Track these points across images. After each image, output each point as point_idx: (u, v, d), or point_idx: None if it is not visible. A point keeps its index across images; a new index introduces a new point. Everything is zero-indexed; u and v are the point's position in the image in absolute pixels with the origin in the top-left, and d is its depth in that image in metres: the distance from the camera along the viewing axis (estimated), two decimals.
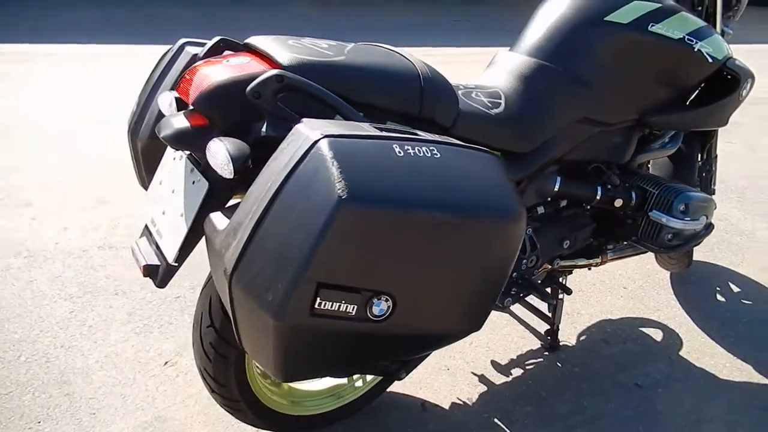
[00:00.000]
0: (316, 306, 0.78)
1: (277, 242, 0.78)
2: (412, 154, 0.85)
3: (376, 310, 0.83)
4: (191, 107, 1.02)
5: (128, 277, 2.02)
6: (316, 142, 0.80)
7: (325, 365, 0.88)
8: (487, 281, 0.94)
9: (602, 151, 1.46)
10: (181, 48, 1.26)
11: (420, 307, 0.87)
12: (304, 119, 0.90)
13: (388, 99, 1.07)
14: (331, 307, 0.79)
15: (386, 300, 0.83)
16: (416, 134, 0.92)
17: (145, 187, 1.34)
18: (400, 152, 0.84)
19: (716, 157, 1.91)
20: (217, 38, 1.18)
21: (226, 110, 0.99)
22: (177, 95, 1.12)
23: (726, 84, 1.50)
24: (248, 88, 0.95)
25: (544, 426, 1.49)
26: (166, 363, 1.66)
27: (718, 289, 2.13)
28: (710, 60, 1.44)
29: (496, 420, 1.51)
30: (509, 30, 6.91)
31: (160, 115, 1.22)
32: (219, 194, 1.00)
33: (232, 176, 0.90)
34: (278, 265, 0.77)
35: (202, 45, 1.27)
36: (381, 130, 0.91)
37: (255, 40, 1.09)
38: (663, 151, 1.62)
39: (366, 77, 1.04)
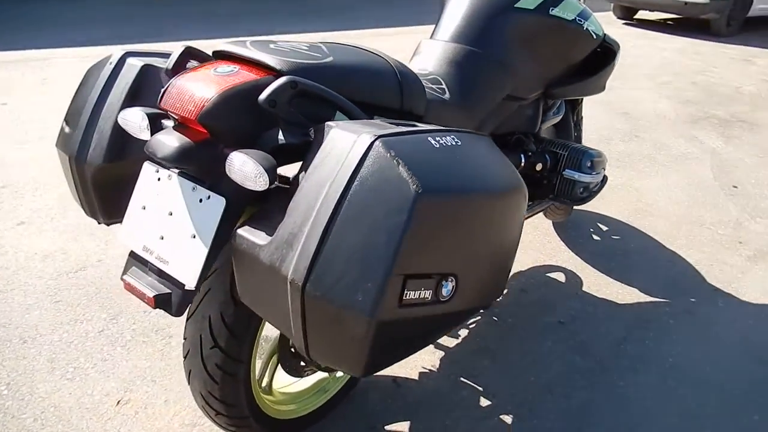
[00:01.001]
0: (404, 298, 0.82)
1: (355, 245, 0.80)
2: (443, 144, 0.91)
3: (444, 292, 0.90)
4: (189, 122, 0.97)
5: (28, 322, 1.78)
6: (372, 143, 0.83)
7: (399, 352, 0.92)
8: (511, 249, 1.05)
9: (521, 124, 1.65)
10: (122, 60, 1.17)
11: (474, 282, 0.95)
12: (330, 123, 0.92)
13: (373, 96, 1.11)
14: (414, 296, 0.84)
15: (451, 281, 0.90)
16: (419, 126, 0.99)
17: (98, 218, 1.22)
18: (435, 144, 0.90)
19: (582, 118, 2.23)
20: (181, 47, 1.11)
21: (233, 121, 0.96)
22: (149, 111, 1.05)
23: (604, 56, 1.77)
24: (262, 96, 0.94)
25: (504, 373, 1.67)
26: (118, 402, 1.52)
27: (591, 230, 2.49)
28: (594, 36, 1.69)
29: (462, 379, 1.65)
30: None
31: (119, 136, 1.12)
32: (236, 209, 0.97)
33: (266, 187, 0.89)
34: (363, 266, 0.79)
35: (146, 55, 1.19)
36: (395, 125, 0.96)
37: (231, 48, 1.06)
38: (556, 117, 1.87)
39: (354, 77, 1.07)
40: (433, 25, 1.68)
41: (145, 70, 1.15)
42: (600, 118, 3.91)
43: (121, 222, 1.27)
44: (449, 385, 1.62)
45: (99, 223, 1.31)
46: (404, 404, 1.56)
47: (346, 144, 0.85)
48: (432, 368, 1.68)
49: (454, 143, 0.93)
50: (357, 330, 0.81)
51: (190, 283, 0.96)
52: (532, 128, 1.69)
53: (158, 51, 1.25)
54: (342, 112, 1.01)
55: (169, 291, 1.00)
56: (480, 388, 1.62)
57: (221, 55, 1.08)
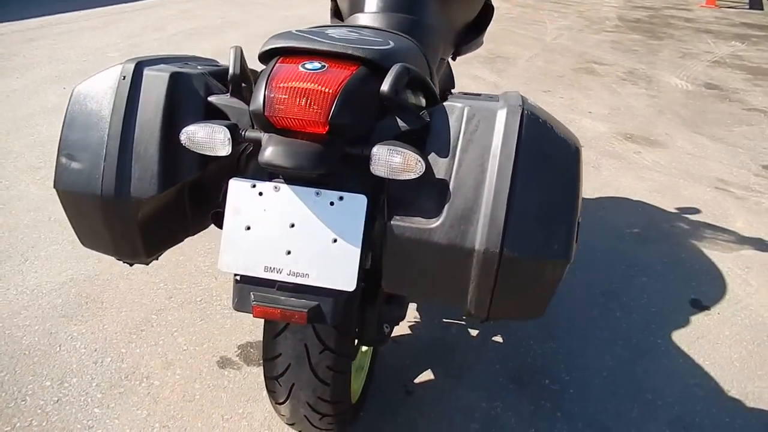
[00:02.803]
0: (578, 239, 0.95)
1: (539, 204, 0.90)
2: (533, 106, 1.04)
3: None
4: (308, 125, 0.92)
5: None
6: (522, 112, 0.92)
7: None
8: None
9: (448, 82, 1.81)
10: (138, 71, 1.01)
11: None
12: (450, 102, 0.97)
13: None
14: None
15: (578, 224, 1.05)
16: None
17: (138, 258, 1.07)
18: (534, 107, 1.02)
19: None
20: (234, 49, 1.01)
21: (355, 117, 0.94)
22: (224, 123, 0.95)
23: (486, 13, 2.01)
24: (386, 86, 0.94)
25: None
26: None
27: None
28: None
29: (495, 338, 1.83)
30: None
31: (169, 160, 0.99)
32: (374, 204, 0.97)
33: (420, 174, 0.92)
34: (552, 220, 0.90)
35: (153, 63, 1.05)
36: (481, 96, 1.05)
37: (302, 43, 1.00)
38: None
39: (410, 58, 1.11)
40: None
41: (176, 78, 1.01)
42: None
43: (158, 258, 1.12)
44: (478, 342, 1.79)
45: (131, 265, 1.13)
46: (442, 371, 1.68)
47: (491, 117, 0.93)
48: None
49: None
50: (554, 276, 0.93)
51: (349, 287, 0.94)
52: (453, 85, 1.87)
53: (161, 56, 1.09)
54: (427, 93, 1.05)
55: (317, 302, 0.96)
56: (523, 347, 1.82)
57: (283, 52, 1.01)
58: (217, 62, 1.26)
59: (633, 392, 1.61)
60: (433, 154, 0.95)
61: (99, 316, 1.78)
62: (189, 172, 1.03)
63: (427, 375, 1.64)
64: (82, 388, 1.52)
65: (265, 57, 1.04)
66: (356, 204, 0.95)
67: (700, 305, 1.99)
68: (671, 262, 2.22)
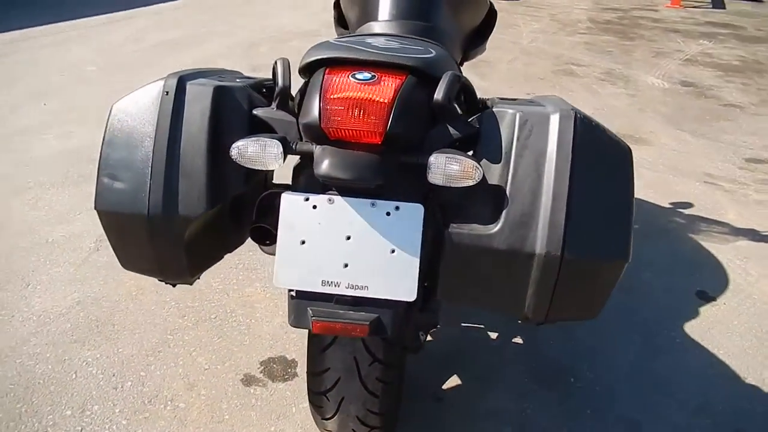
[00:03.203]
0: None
1: (597, 204, 0.90)
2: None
3: None
4: (363, 136, 0.91)
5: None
6: (575, 116, 0.93)
7: None
8: None
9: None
10: (181, 86, 0.99)
11: None
12: (498, 108, 0.98)
13: None
14: None
15: None
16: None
17: (182, 278, 1.05)
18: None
19: None
20: (282, 60, 0.99)
21: (411, 127, 0.94)
22: (274, 137, 0.94)
23: (490, 19, 2.02)
24: (441, 95, 0.95)
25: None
26: None
27: None
28: (489, 2, 1.92)
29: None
30: None
31: (217, 175, 0.97)
32: (429, 212, 0.96)
33: (478, 181, 0.92)
34: (609, 220, 0.91)
35: (192, 76, 1.03)
36: (522, 101, 1.07)
37: (339, 52, 0.99)
38: None
39: (448, 66, 1.11)
40: None
41: (220, 92, 1.00)
42: None
43: (199, 277, 1.10)
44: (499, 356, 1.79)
45: (174, 285, 1.10)
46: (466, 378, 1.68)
47: (545, 122, 0.93)
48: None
49: None
50: (612, 276, 0.94)
51: (410, 297, 0.94)
52: None
53: (196, 70, 1.07)
54: (471, 99, 1.06)
55: (377, 314, 0.95)
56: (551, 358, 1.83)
57: (329, 62, 1.00)
58: (241, 74, 1.25)
59: (656, 385, 1.64)
60: (485, 160, 0.95)
61: (112, 339, 1.73)
62: (235, 188, 1.01)
63: (453, 381, 1.64)
64: (105, 416, 1.48)
65: (308, 68, 1.03)
66: (413, 213, 0.94)
67: (707, 296, 2.04)
68: (673, 256, 2.27)
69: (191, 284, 1.08)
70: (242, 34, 5.40)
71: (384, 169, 0.92)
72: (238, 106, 1.01)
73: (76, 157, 2.86)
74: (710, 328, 1.89)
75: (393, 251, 0.94)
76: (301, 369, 1.65)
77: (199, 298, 1.92)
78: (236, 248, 1.17)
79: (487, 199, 0.95)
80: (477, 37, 1.94)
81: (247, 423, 1.48)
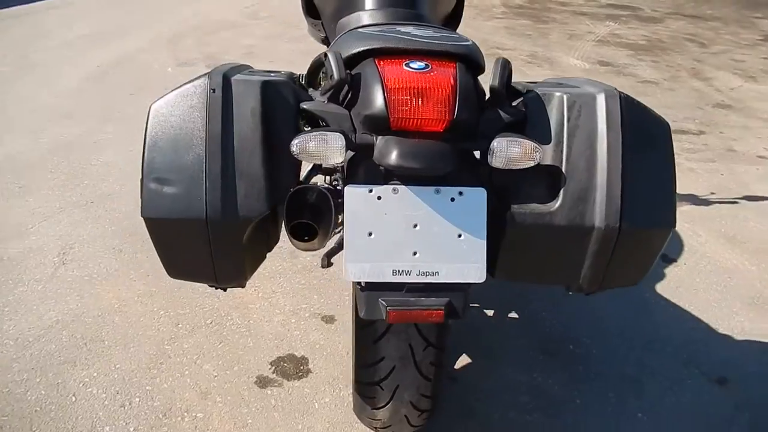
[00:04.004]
0: None
1: (645, 177, 0.97)
2: None
3: None
4: (426, 124, 0.92)
5: None
6: (620, 95, 0.98)
7: None
8: None
9: None
10: (227, 83, 0.95)
11: None
12: (541, 90, 1.02)
13: None
14: None
15: None
16: None
17: (237, 282, 1.02)
18: None
19: None
20: (334, 54, 0.97)
21: (472, 113, 0.95)
22: (335, 129, 0.93)
23: (459, 7, 2.06)
24: (497, 81, 0.97)
25: None
26: None
27: None
28: None
29: None
30: None
31: (272, 173, 0.94)
32: (490, 195, 0.98)
33: (538, 161, 0.95)
34: (657, 191, 0.97)
35: (234, 72, 1.00)
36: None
37: (388, 43, 0.99)
38: None
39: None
40: None
41: (266, 86, 0.96)
42: None
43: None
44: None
45: (225, 290, 1.06)
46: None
47: (592, 102, 0.98)
48: None
49: None
50: (660, 242, 1.01)
51: (480, 278, 0.96)
52: None
53: (230, 65, 1.03)
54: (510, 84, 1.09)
55: (449, 298, 0.97)
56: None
57: (371, 54, 1.00)
58: (251, 67, 1.21)
59: (646, 343, 1.77)
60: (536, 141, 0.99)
61: (106, 356, 1.63)
62: (289, 184, 0.99)
63: (463, 360, 1.69)
64: None
65: (351, 60, 1.01)
66: (476, 197, 0.96)
67: (669, 259, 2.21)
68: None
69: (244, 287, 1.04)
70: (162, 27, 5.14)
71: (451, 156, 0.93)
72: (286, 100, 0.99)
73: (9, 166, 2.63)
74: (677, 287, 2.05)
75: (460, 235, 0.96)
76: (313, 364, 1.63)
77: (189, 305, 1.84)
78: (275, 246, 1.15)
79: (541, 179, 0.98)
80: (449, 25, 1.98)
81: (273, 424, 1.45)
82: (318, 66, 1.12)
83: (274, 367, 1.62)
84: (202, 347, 1.68)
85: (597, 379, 1.63)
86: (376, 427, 1.28)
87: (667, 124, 1.01)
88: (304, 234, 1.06)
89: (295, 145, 0.92)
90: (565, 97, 0.99)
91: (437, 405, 1.26)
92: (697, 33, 5.89)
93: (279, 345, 1.70)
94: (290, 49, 4.77)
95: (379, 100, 0.92)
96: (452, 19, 1.96)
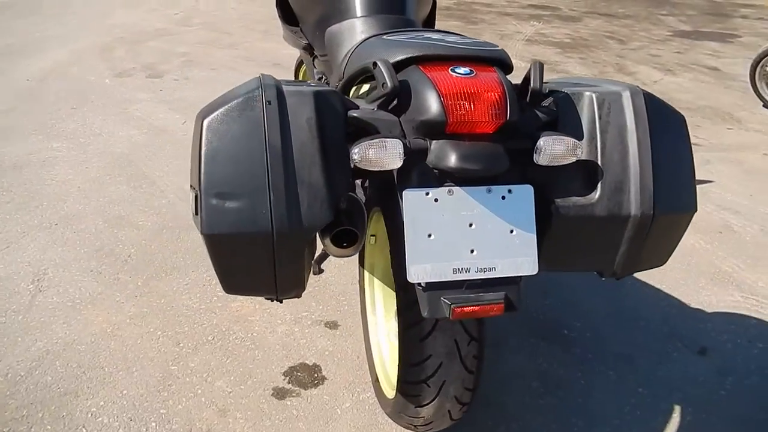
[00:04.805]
0: None
1: (671, 164, 1.05)
2: None
3: None
4: (478, 126, 0.97)
5: None
6: (643, 92, 1.07)
7: None
8: None
9: None
10: (280, 94, 0.96)
11: None
12: (567, 90, 1.09)
13: None
14: None
15: None
16: None
17: (297, 292, 1.03)
18: None
19: None
20: (384, 62, 0.99)
21: (518, 114, 1.00)
22: (398, 136, 0.96)
23: (433, 10, 2.11)
24: (536, 83, 1.04)
25: None
26: None
27: None
28: None
29: None
30: None
31: (332, 183, 0.96)
32: (536, 191, 1.04)
33: (579, 158, 1.02)
34: (680, 178, 1.06)
35: (281, 83, 1.00)
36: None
37: (427, 50, 1.03)
38: None
39: None
40: None
41: (318, 96, 0.97)
42: None
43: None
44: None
45: (281, 302, 1.06)
46: None
47: (619, 99, 1.06)
48: None
49: None
50: (685, 225, 1.10)
51: (533, 271, 1.01)
52: None
53: (265, 74, 1.02)
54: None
55: (505, 292, 1.02)
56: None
57: (416, 60, 1.03)
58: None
59: (631, 321, 1.90)
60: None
61: (109, 382, 1.56)
62: (345, 191, 1.00)
63: None
64: None
65: (395, 66, 1.04)
66: (525, 194, 1.02)
67: None
68: None
69: (300, 297, 1.04)
70: (87, 38, 4.90)
71: (505, 157, 0.98)
72: (335, 109, 1.00)
73: None
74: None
75: (512, 231, 1.01)
76: (327, 371, 1.64)
77: (186, 323, 1.79)
78: (316, 254, 1.15)
79: (578, 173, 1.05)
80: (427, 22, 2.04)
81: None
82: (357, 74, 1.13)
83: (288, 378, 1.61)
84: (209, 364, 1.64)
85: (595, 359, 1.74)
86: (415, 425, 1.30)
87: (682, 116, 1.10)
88: (343, 241, 1.08)
89: (356, 153, 0.94)
90: (594, 96, 1.06)
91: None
92: (615, 30, 6.28)
93: (288, 355, 1.69)
94: (227, 55, 4.69)
95: (435, 105, 0.95)
96: (428, 23, 2.02)
